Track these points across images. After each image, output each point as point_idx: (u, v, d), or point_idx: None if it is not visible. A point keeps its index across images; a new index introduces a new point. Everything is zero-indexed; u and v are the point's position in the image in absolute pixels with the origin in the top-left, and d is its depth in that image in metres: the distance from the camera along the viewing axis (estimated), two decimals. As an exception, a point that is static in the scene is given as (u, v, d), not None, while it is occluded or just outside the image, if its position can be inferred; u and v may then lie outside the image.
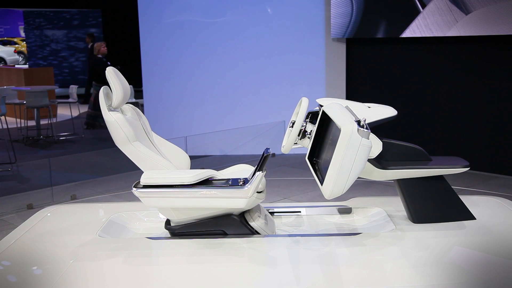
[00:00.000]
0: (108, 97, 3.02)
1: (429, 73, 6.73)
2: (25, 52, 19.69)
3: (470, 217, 3.03)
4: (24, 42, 19.83)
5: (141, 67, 7.74)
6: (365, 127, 2.55)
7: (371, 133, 2.62)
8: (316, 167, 3.03)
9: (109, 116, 2.90)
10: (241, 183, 2.78)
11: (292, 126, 3.13)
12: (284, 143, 3.17)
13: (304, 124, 3.19)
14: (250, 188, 2.75)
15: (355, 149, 2.51)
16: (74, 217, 3.32)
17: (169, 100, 7.74)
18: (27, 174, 6.92)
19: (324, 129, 3.06)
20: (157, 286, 2.51)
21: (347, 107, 2.92)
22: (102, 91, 2.97)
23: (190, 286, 2.48)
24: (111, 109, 2.96)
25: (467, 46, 6.36)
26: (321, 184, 2.70)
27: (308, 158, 3.11)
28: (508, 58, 6.07)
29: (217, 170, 3.10)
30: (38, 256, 2.75)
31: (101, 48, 9.63)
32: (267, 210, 3.35)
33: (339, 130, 2.56)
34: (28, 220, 3.29)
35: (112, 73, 2.95)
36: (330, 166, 2.57)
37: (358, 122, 2.56)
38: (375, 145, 2.94)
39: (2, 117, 7.51)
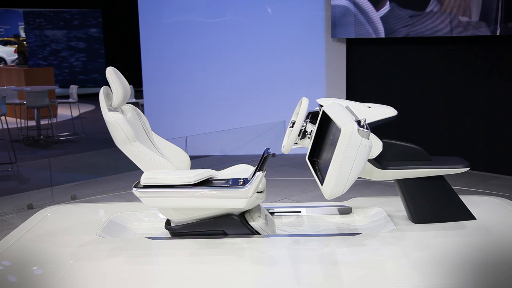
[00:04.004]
0: (108, 97, 3.01)
1: (429, 73, 6.73)
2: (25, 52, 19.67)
3: (470, 217, 3.03)
4: (24, 42, 19.82)
5: (141, 67, 7.74)
6: (365, 127, 2.55)
7: (371, 133, 2.62)
8: (316, 167, 3.03)
9: (109, 116, 2.90)
10: (241, 183, 2.78)
11: (292, 126, 3.13)
12: (284, 143, 3.17)
13: (304, 124, 3.19)
14: (250, 188, 2.75)
15: (355, 149, 2.51)
16: (74, 217, 3.32)
17: (169, 100, 7.74)
18: (27, 174, 6.92)
19: (324, 129, 3.06)
20: (157, 286, 2.51)
21: (347, 107, 2.92)
22: (102, 91, 2.97)
23: (190, 286, 2.48)
24: (111, 109, 2.96)
25: (468, 46, 6.36)
26: (321, 184, 2.70)
27: (308, 158, 3.11)
28: (508, 58, 6.07)
29: (217, 170, 3.10)
30: (38, 256, 2.75)
31: None
32: (267, 210, 3.35)
33: (339, 130, 2.56)
34: (28, 220, 3.29)
35: (112, 73, 2.95)
36: (330, 166, 2.57)
37: (358, 122, 2.56)
38: (375, 145, 2.94)
39: (2, 117, 7.51)
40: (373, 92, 7.24)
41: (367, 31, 6.98)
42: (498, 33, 5.85)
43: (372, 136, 2.93)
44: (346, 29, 7.12)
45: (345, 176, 2.55)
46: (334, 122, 2.74)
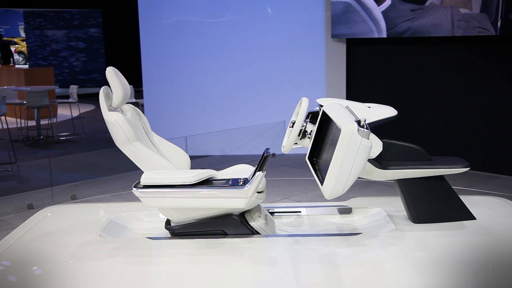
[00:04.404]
0: (108, 97, 3.02)
1: (429, 73, 6.73)
2: (25, 52, 19.68)
3: (470, 217, 3.03)
4: (24, 42, 19.82)
5: (141, 67, 7.74)
6: (365, 127, 2.55)
7: (371, 133, 2.62)
8: (316, 167, 3.03)
9: (109, 116, 2.90)
10: (241, 183, 2.79)
11: (292, 126, 3.13)
12: (284, 143, 3.17)
13: (304, 124, 3.19)
14: (250, 188, 2.75)
15: (355, 149, 2.51)
16: (74, 217, 3.32)
17: (169, 100, 7.74)
18: (27, 174, 6.92)
19: (324, 129, 3.06)
20: (157, 286, 2.51)
21: (347, 107, 2.92)
22: (102, 91, 2.97)
23: (190, 286, 2.48)
24: (111, 109, 2.96)
25: (468, 46, 6.36)
26: (321, 184, 2.70)
27: (308, 158, 3.11)
28: (508, 58, 6.07)
29: (217, 170, 3.10)
30: (38, 256, 2.75)
31: None
32: (267, 210, 3.35)
33: (339, 130, 2.56)
34: (28, 220, 3.29)
35: (112, 73, 2.95)
36: (330, 166, 2.57)
37: (358, 122, 2.56)
38: (375, 145, 2.94)
39: (2, 117, 7.51)
40: (373, 92, 7.24)
41: (368, 28, 6.97)
42: (498, 25, 5.84)
43: (372, 136, 2.93)
44: (347, 27, 7.12)
45: (345, 176, 2.55)
46: (334, 122, 2.74)
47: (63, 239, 2.96)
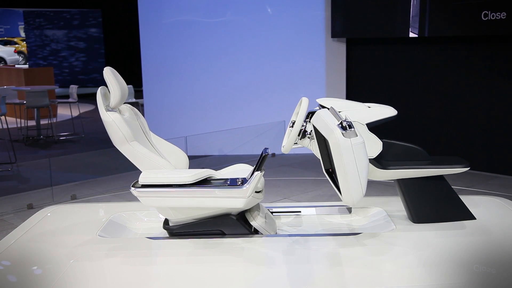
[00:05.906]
0: (106, 97, 3.01)
1: (429, 73, 6.72)
2: (25, 52, 19.68)
3: (470, 217, 3.02)
4: (24, 42, 19.83)
5: (141, 67, 7.74)
6: (347, 127, 2.54)
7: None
8: (334, 176, 3.00)
9: (106, 116, 2.90)
10: (239, 182, 2.78)
11: (292, 126, 3.13)
12: (284, 143, 3.17)
13: (304, 124, 3.18)
14: (248, 188, 2.75)
15: (350, 152, 2.52)
16: (74, 217, 3.32)
17: (169, 100, 7.73)
18: (27, 174, 6.91)
19: (324, 138, 3.04)
20: (156, 286, 2.51)
21: (331, 109, 2.87)
22: (99, 91, 2.97)
23: (190, 286, 2.48)
24: (108, 109, 2.96)
25: (468, 46, 6.36)
26: (341, 195, 2.71)
27: (325, 170, 3.09)
28: (508, 58, 6.07)
29: (216, 170, 3.10)
30: (38, 256, 2.75)
31: None
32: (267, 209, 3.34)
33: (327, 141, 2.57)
34: (28, 220, 3.29)
35: (109, 73, 2.95)
36: (338, 176, 2.59)
37: (341, 124, 2.55)
38: (375, 145, 2.94)
39: (2, 117, 7.51)
40: (373, 92, 7.24)
41: (367, 31, 6.97)
42: (497, 33, 5.84)
43: (372, 136, 2.93)
44: (346, 28, 7.12)
45: (356, 180, 2.56)
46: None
47: (63, 239, 2.96)
